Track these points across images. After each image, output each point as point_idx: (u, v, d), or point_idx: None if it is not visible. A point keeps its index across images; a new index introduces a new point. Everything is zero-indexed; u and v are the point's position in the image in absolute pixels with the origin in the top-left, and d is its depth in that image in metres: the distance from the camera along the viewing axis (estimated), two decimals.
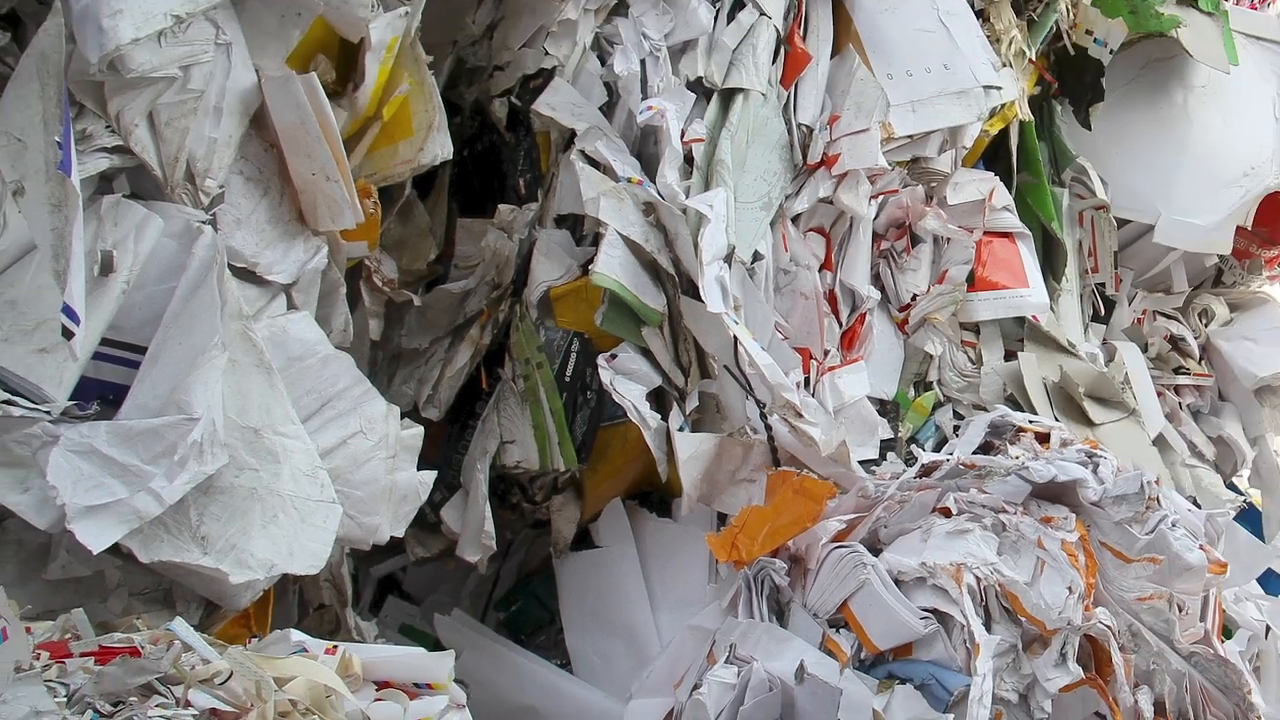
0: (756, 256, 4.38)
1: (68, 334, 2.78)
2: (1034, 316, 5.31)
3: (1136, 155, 6.20)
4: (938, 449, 4.58)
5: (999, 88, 5.27)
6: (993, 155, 5.58)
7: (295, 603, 3.57)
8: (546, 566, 4.31)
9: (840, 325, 4.76)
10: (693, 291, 4.03)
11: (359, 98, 3.43)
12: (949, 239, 5.12)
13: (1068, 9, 5.87)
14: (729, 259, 4.14)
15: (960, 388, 5.06)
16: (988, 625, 3.57)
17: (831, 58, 4.96)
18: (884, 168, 4.79)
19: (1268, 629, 4.34)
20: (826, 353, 4.60)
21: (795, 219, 4.66)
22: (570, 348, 4.05)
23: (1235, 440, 6.22)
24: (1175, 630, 3.79)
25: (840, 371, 4.56)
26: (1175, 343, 6.30)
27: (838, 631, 3.64)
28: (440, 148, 3.67)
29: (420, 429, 3.49)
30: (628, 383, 3.99)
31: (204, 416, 2.88)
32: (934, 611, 3.58)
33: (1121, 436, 5.19)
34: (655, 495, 4.33)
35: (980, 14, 5.48)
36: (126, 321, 2.97)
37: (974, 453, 4.15)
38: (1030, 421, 4.37)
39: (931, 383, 5.04)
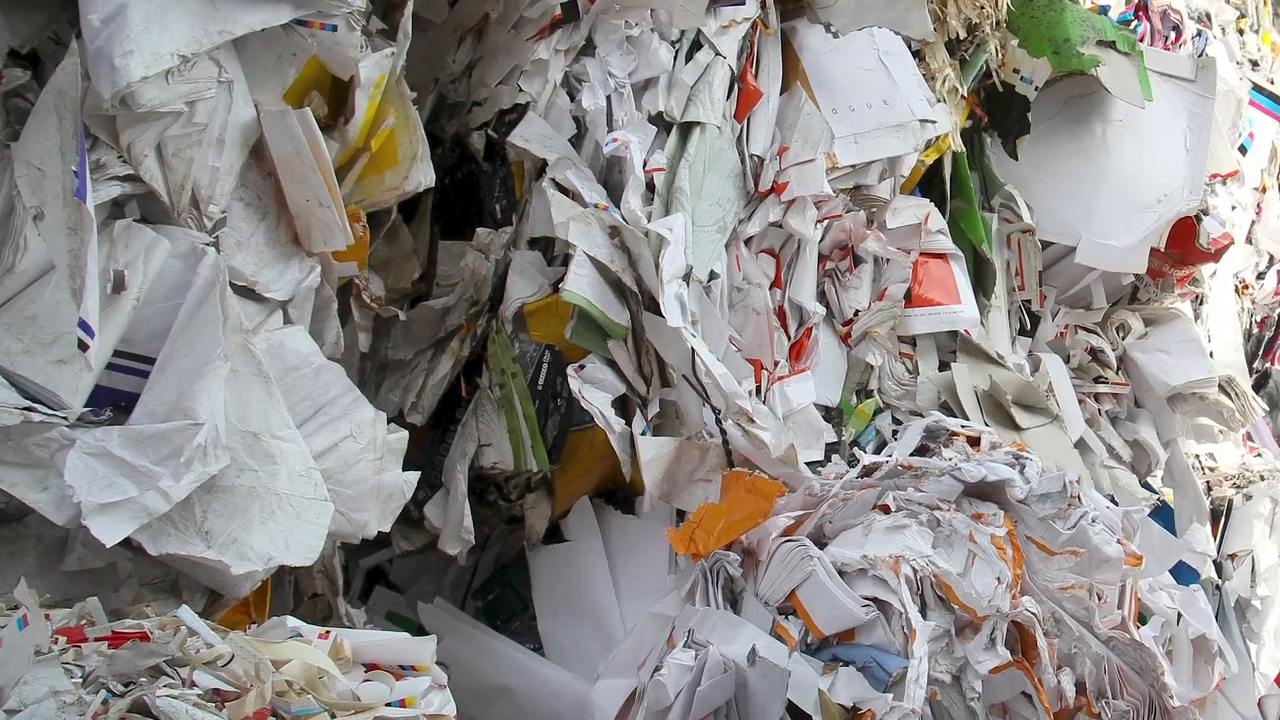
0: (712, 276, 4.39)
1: (83, 346, 2.79)
2: (966, 330, 5.34)
3: (1059, 183, 6.23)
4: (878, 451, 4.57)
5: (934, 121, 5.30)
6: (928, 183, 5.61)
7: (291, 592, 3.56)
8: (520, 558, 4.30)
9: (789, 338, 4.77)
10: (654, 308, 4.04)
11: (349, 130, 3.43)
12: (888, 260, 5.13)
13: (997, 49, 5.89)
14: (687, 278, 4.14)
15: (898, 395, 5.08)
16: (923, 612, 3.60)
17: (781, 94, 4.97)
18: (829, 194, 4.81)
19: (1179, 616, 4.37)
20: (776, 363, 4.61)
21: (748, 241, 4.67)
22: (542, 359, 4.05)
23: (1150, 443, 6.25)
24: (1095, 617, 3.82)
25: (789, 381, 4.57)
26: (1095, 354, 6.33)
27: (786, 618, 3.66)
28: (423, 176, 3.66)
29: (405, 433, 3.48)
30: (595, 391, 4.00)
31: (208, 422, 2.88)
32: (874, 600, 3.61)
33: (1046, 440, 5.21)
34: (620, 493, 4.33)
35: (916, 54, 5.50)
36: (137, 335, 2.97)
37: (911, 455, 4.17)
38: (962, 426, 4.40)
39: (872, 391, 5.05)
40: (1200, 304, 7.10)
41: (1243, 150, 8.07)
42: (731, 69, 4.69)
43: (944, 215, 5.51)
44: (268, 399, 3.12)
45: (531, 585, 4.22)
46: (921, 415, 4.75)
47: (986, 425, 4.85)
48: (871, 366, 5.05)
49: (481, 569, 4.47)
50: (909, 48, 5.45)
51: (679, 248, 4.09)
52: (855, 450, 4.70)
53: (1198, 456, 6.60)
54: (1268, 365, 7.94)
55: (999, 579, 3.67)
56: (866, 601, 3.60)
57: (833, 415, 4.85)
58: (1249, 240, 7.99)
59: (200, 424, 2.88)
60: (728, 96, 4.67)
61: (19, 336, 2.86)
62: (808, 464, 4.29)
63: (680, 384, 4.14)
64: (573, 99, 4.31)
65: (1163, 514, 5.64)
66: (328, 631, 2.79)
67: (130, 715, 2.37)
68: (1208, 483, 6.50)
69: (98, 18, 2.88)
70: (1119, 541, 3.91)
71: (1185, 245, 6.31)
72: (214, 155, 3.12)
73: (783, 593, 3.69)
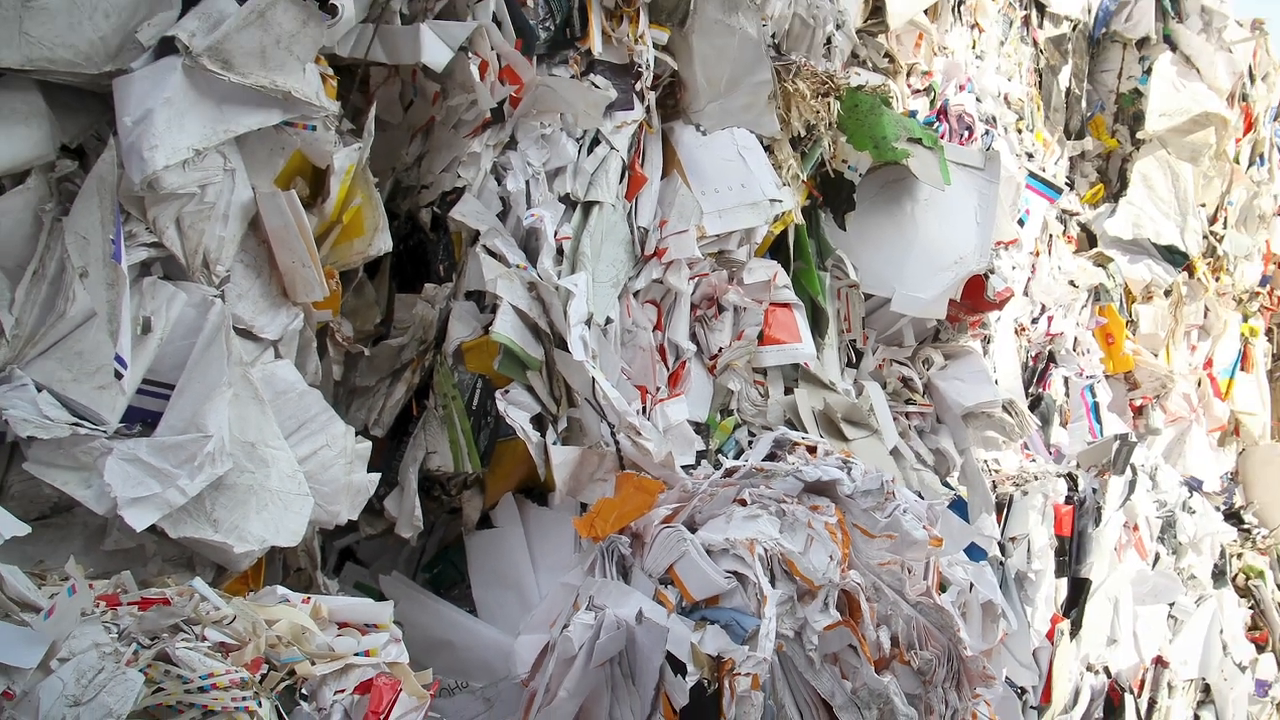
0: (608, 321, 4.42)
1: (118, 376, 2.83)
2: (805, 363, 5.38)
3: (878, 249, 6.31)
4: (737, 457, 4.63)
5: (781, 200, 5.36)
6: (776, 248, 5.65)
7: (280, 567, 3.54)
8: (459, 541, 4.26)
9: (668, 369, 4.79)
10: (563, 346, 4.08)
11: (325, 208, 3.42)
12: (745, 308, 5.18)
13: (829, 144, 5.96)
14: (589, 322, 4.18)
15: (753, 414, 5.11)
16: (773, 582, 3.64)
17: (661, 179, 5.03)
18: (699, 257, 4.87)
19: (971, 585, 4.45)
20: (658, 389, 4.63)
21: (636, 294, 4.70)
22: (476, 385, 4.04)
23: (948, 451, 6.34)
24: (906, 586, 3.88)
25: (667, 402, 4.58)
26: (905, 382, 6.40)
27: (666, 587, 3.69)
28: (383, 243, 3.65)
29: (369, 443, 3.48)
30: (517, 410, 4.01)
31: (215, 434, 2.91)
32: (734, 573, 3.65)
33: (867, 449, 5.27)
34: (536, 490, 4.31)
35: (767, 148, 5.56)
36: (160, 366, 2.97)
37: (763, 460, 4.23)
38: (803, 438, 4.44)
39: (733, 410, 5.06)
40: (988, 342, 7.21)
41: (1021, 223, 8.24)
42: (623, 159, 4.73)
43: (788, 273, 5.55)
44: (262, 417, 3.13)
45: (468, 561, 4.20)
46: (771, 429, 4.78)
47: (821, 437, 4.90)
48: (732, 391, 5.08)
49: (429, 549, 4.43)
50: (761, 143, 5.51)
51: (582, 299, 4.13)
52: (719, 456, 4.74)
53: (985, 461, 6.68)
54: (1040, 390, 8.09)
55: (831, 556, 3.73)
56: (728, 574, 3.65)
57: (702, 429, 4.85)
58: (1026, 293, 8.14)
59: (210, 436, 2.90)
60: (620, 181, 4.72)
61: (68, 368, 2.86)
62: (682, 467, 4.31)
63: (583, 405, 4.15)
64: (499, 183, 4.31)
65: (958, 506, 5.69)
66: (309, 598, 2.83)
67: (155, 663, 2.40)
68: (993, 481, 6.60)
69: (130, 119, 2.91)
70: (924, 527, 3.98)
71: (976, 297, 6.40)
72: (220, 227, 3.13)
73: (663, 567, 3.73)
